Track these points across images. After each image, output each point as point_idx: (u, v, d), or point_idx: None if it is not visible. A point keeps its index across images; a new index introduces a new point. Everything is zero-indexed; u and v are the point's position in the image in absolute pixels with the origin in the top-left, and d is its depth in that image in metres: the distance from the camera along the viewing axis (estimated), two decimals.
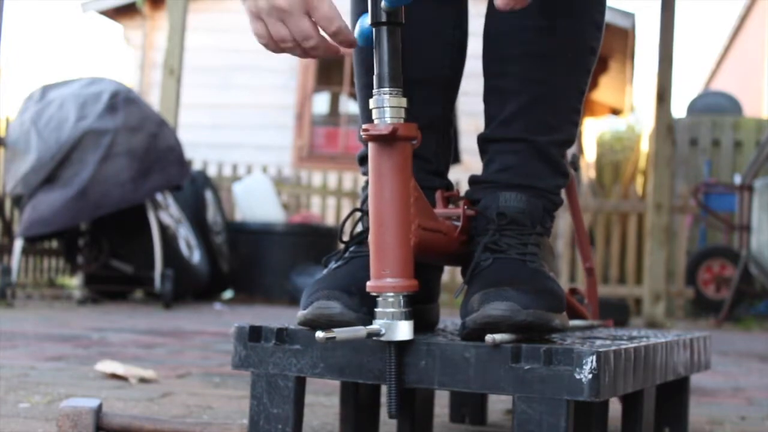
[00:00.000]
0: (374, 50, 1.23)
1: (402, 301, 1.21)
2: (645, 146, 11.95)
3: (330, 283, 1.32)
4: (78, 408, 1.35)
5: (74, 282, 6.69)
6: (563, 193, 1.53)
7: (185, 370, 2.59)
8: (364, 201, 1.45)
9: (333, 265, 1.41)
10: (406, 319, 1.22)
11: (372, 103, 1.23)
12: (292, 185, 9.49)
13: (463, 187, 1.52)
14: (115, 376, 2.33)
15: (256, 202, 7.88)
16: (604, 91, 13.98)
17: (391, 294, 1.21)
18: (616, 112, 14.63)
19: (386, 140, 1.21)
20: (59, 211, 5.40)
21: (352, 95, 10.55)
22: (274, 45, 1.27)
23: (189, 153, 7.09)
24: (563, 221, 8.30)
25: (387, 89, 1.21)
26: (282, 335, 1.32)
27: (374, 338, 1.22)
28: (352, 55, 1.51)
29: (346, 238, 1.42)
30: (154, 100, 9.53)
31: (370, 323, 1.22)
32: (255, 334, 1.34)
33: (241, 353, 1.35)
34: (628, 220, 8.26)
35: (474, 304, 1.26)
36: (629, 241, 8.20)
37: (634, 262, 8.17)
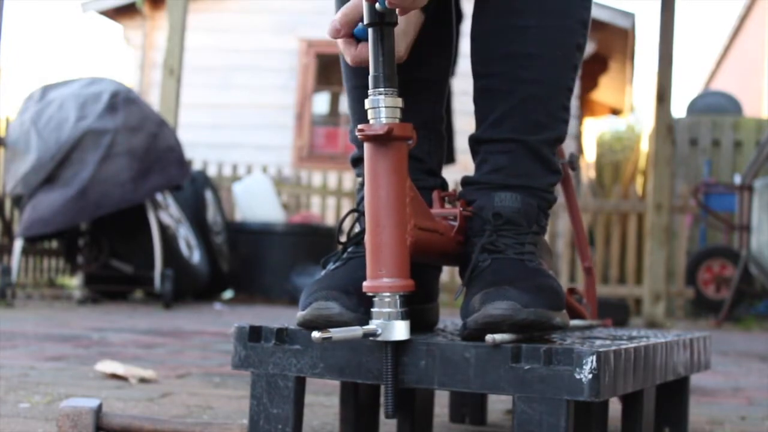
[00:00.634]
0: (369, 51, 1.23)
1: (398, 301, 1.22)
2: (645, 146, 11.95)
3: (328, 284, 1.32)
4: (78, 408, 1.35)
5: (74, 282, 6.69)
6: (560, 192, 1.53)
7: (185, 370, 2.59)
8: (360, 202, 1.45)
9: (331, 266, 1.41)
10: (403, 319, 1.22)
11: (368, 103, 1.23)
12: (292, 185, 9.49)
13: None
14: (115, 376, 2.33)
15: (256, 202, 7.88)
16: (604, 91, 13.99)
17: (388, 294, 1.21)
18: (616, 112, 14.64)
19: (382, 140, 1.21)
20: (59, 211, 5.40)
21: None
22: None
23: (189, 153, 7.10)
24: (563, 221, 8.30)
25: (383, 89, 1.22)
26: (282, 335, 1.32)
27: (371, 338, 1.22)
28: (340, 55, 1.52)
29: (344, 238, 1.42)
30: (154, 100, 9.54)
31: (369, 323, 1.22)
32: (255, 334, 1.34)
33: (241, 353, 1.35)
34: (628, 220, 8.26)
35: (475, 305, 1.26)
36: (629, 241, 8.20)
37: (634, 262, 8.17)
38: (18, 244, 5.59)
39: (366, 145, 1.23)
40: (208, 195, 7.14)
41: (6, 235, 6.15)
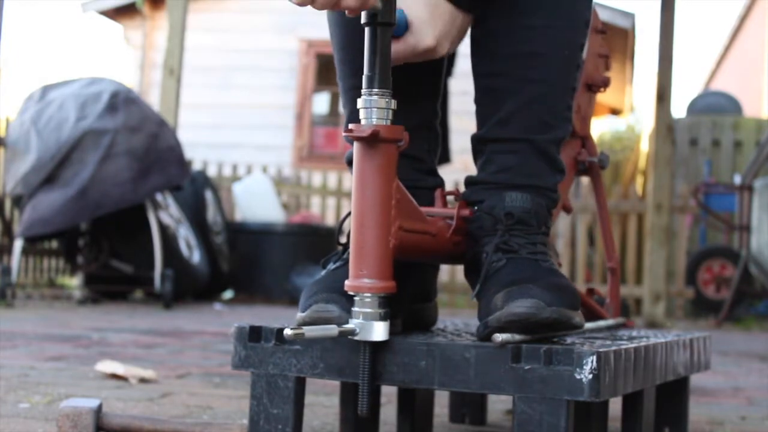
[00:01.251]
0: (365, 50, 1.23)
1: (378, 301, 1.22)
2: (645, 146, 11.95)
3: (328, 286, 1.32)
4: (78, 408, 1.35)
5: (74, 282, 6.69)
6: (576, 193, 1.53)
7: (185, 370, 2.59)
8: None
9: (332, 266, 1.41)
10: (382, 320, 1.22)
11: (360, 103, 1.23)
12: (292, 185, 9.49)
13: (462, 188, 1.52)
14: (115, 376, 2.33)
15: (256, 202, 7.88)
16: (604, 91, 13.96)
17: (368, 294, 1.22)
18: (616, 112, 14.64)
19: (369, 142, 1.21)
20: (59, 211, 5.40)
21: None
22: None
23: (189, 153, 7.09)
24: (563, 221, 8.30)
25: (376, 90, 1.22)
26: (282, 335, 1.32)
27: (349, 337, 1.22)
28: (335, 55, 1.52)
29: (344, 239, 1.42)
30: (154, 100, 9.53)
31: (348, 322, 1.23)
32: (255, 334, 1.34)
33: (241, 353, 1.35)
34: (628, 220, 8.26)
35: (497, 303, 1.26)
36: (629, 241, 8.20)
37: (634, 262, 8.17)
38: (18, 244, 5.59)
39: (354, 146, 1.24)
40: (208, 195, 7.14)
41: (6, 235, 6.15)
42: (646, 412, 1.50)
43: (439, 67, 1.52)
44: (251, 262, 7.35)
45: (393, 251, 1.23)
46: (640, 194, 9.04)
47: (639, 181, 11.32)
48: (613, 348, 1.24)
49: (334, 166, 10.36)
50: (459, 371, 1.23)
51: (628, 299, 7.89)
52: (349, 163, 1.51)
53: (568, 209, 1.77)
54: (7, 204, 6.14)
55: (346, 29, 1.45)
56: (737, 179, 7.73)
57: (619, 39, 11.01)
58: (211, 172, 9.28)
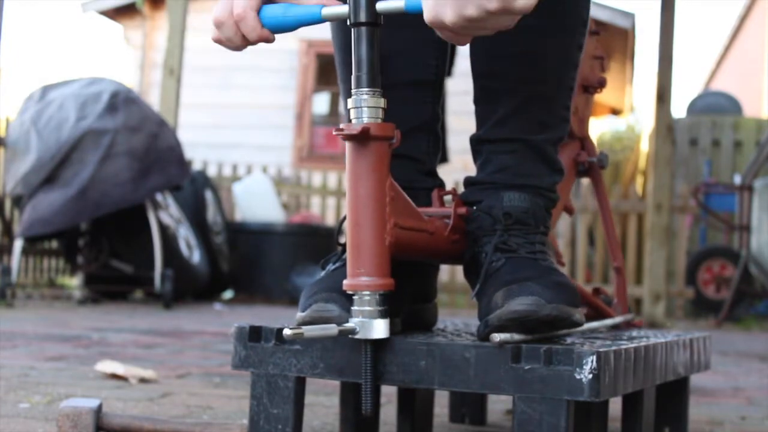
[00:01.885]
0: (353, 51, 1.23)
1: (378, 299, 1.22)
2: (645, 146, 11.95)
3: (328, 286, 1.32)
4: (78, 408, 1.35)
5: (74, 282, 6.69)
6: (575, 193, 1.53)
7: (185, 370, 2.59)
8: None
9: (331, 266, 1.41)
10: (382, 317, 1.22)
11: (350, 103, 1.23)
12: (292, 185, 9.49)
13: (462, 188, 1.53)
14: (115, 376, 2.33)
15: (256, 202, 7.88)
16: (604, 91, 13.96)
17: (367, 293, 1.22)
18: (616, 112, 14.63)
19: (360, 140, 1.22)
20: (59, 211, 5.40)
21: None
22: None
23: (189, 153, 7.09)
24: (563, 221, 8.30)
25: (365, 89, 1.22)
26: (282, 335, 1.32)
27: (349, 336, 1.22)
28: (335, 57, 1.52)
29: (343, 239, 1.42)
30: (154, 100, 9.53)
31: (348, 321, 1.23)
32: (255, 334, 1.34)
33: (241, 353, 1.35)
34: (628, 220, 8.26)
35: (498, 301, 1.26)
36: (629, 242, 8.19)
37: (634, 262, 8.17)
38: (18, 244, 5.59)
39: (346, 145, 1.24)
40: (208, 195, 7.14)
41: (6, 235, 6.15)
42: (646, 412, 1.50)
43: (438, 69, 1.52)
44: (251, 262, 7.35)
45: (389, 249, 1.23)
46: (640, 194, 9.04)
47: (639, 181, 11.32)
48: (613, 348, 1.24)
49: (334, 166, 10.36)
50: (459, 371, 1.23)
51: (629, 299, 7.88)
52: None
53: (570, 211, 1.77)
54: (7, 204, 6.14)
55: (345, 31, 1.45)
56: (737, 179, 7.73)
57: (619, 39, 11.01)
58: (211, 172, 9.28)
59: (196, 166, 8.87)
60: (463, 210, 1.40)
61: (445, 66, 1.54)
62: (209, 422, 1.40)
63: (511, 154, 1.42)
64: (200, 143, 10.17)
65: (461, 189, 1.50)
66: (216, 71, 10.96)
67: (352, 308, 1.23)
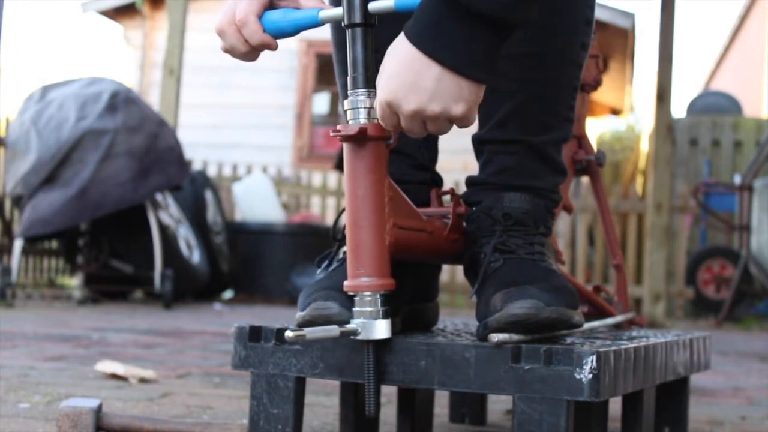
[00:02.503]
0: (348, 52, 1.23)
1: (379, 300, 1.22)
2: (645, 146, 11.95)
3: (327, 284, 1.32)
4: (78, 408, 1.35)
5: (74, 282, 6.69)
6: (575, 194, 1.52)
7: (185, 370, 2.59)
8: None
9: (334, 265, 1.41)
10: (384, 317, 1.22)
11: (347, 104, 1.24)
12: (292, 185, 9.49)
13: (463, 188, 1.52)
14: (115, 376, 2.33)
15: (256, 202, 7.88)
16: (604, 91, 13.98)
17: (368, 293, 1.22)
18: (616, 112, 14.64)
19: (357, 141, 1.22)
20: (59, 211, 5.40)
21: None
22: None
23: (189, 153, 7.09)
24: (563, 221, 8.30)
25: (361, 90, 1.22)
26: (282, 335, 1.32)
27: (351, 337, 1.22)
28: (333, 55, 1.52)
29: (339, 236, 1.42)
30: (154, 100, 9.53)
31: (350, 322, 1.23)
32: (255, 334, 1.34)
33: (241, 353, 1.35)
34: (628, 220, 8.26)
35: (496, 304, 1.26)
36: (629, 241, 8.19)
37: (634, 262, 8.17)
38: (18, 244, 5.59)
39: (344, 146, 1.24)
40: (208, 195, 7.14)
41: (6, 235, 6.15)
42: (646, 412, 1.50)
43: None
44: (251, 262, 7.35)
45: (389, 249, 1.23)
46: (640, 194, 9.04)
47: (639, 181, 11.32)
48: (613, 348, 1.24)
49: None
50: (459, 371, 1.23)
51: (629, 299, 7.88)
52: (337, 166, 1.52)
53: (569, 209, 1.77)
54: (7, 204, 6.14)
55: (341, 29, 1.45)
56: (737, 179, 7.73)
57: (619, 39, 11.01)
58: (211, 172, 9.28)
59: (196, 166, 8.87)
60: (461, 209, 1.40)
61: None
62: (209, 422, 1.40)
63: (512, 155, 1.42)
64: (200, 143, 10.17)
65: (460, 189, 1.50)
66: (216, 71, 10.96)
67: (354, 309, 1.23)
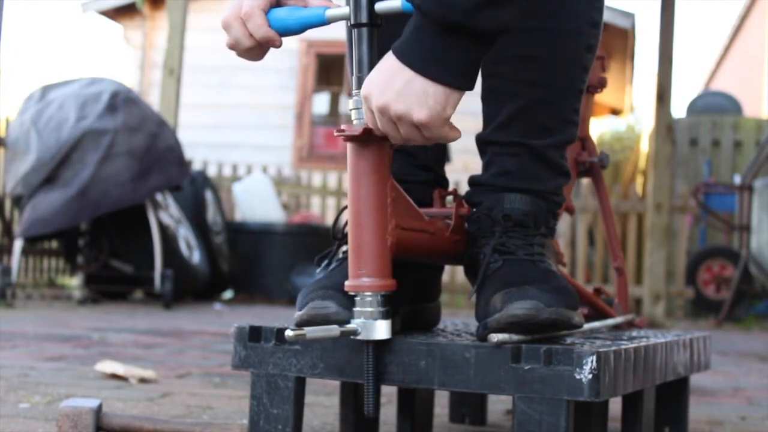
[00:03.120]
0: (354, 52, 1.23)
1: (379, 300, 1.22)
2: (645, 146, 11.95)
3: (326, 283, 1.32)
4: (78, 408, 1.35)
5: (74, 282, 6.69)
6: (578, 194, 1.52)
7: (185, 370, 2.59)
8: None
9: (333, 264, 1.41)
10: (384, 318, 1.22)
11: (351, 104, 1.24)
12: (292, 185, 9.49)
13: (463, 187, 1.52)
14: (115, 376, 2.33)
15: (256, 202, 7.88)
16: (604, 92, 13.97)
17: (369, 293, 1.22)
18: (616, 112, 14.63)
19: (361, 141, 1.22)
20: (59, 211, 5.40)
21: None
22: None
23: (189, 153, 7.09)
24: (563, 221, 8.30)
25: None
26: (282, 335, 1.32)
27: (351, 337, 1.22)
28: (346, 55, 1.52)
29: (340, 235, 1.42)
30: (154, 100, 9.53)
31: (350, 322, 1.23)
32: (255, 334, 1.34)
33: (241, 353, 1.35)
34: (628, 220, 8.26)
35: (496, 304, 1.26)
36: (629, 241, 8.19)
37: (634, 262, 8.16)
38: (18, 244, 5.59)
39: (347, 146, 1.24)
40: (208, 195, 7.14)
41: (6, 235, 6.15)
42: (646, 412, 1.50)
43: None
44: (251, 262, 7.35)
45: (391, 249, 1.23)
46: (640, 194, 9.04)
47: (639, 181, 11.32)
48: (613, 348, 1.24)
49: (334, 166, 10.36)
50: (459, 371, 1.23)
51: (629, 300, 7.87)
52: None
53: (570, 210, 1.77)
54: (7, 204, 6.14)
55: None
56: (737, 179, 7.73)
57: (619, 39, 11.01)
58: (211, 172, 9.28)
59: (196, 166, 8.87)
60: (464, 210, 1.40)
61: None
62: (209, 422, 1.40)
63: (513, 157, 1.41)
64: (200, 143, 10.17)
65: (461, 189, 1.50)
66: (216, 71, 10.96)
67: (354, 309, 1.23)
